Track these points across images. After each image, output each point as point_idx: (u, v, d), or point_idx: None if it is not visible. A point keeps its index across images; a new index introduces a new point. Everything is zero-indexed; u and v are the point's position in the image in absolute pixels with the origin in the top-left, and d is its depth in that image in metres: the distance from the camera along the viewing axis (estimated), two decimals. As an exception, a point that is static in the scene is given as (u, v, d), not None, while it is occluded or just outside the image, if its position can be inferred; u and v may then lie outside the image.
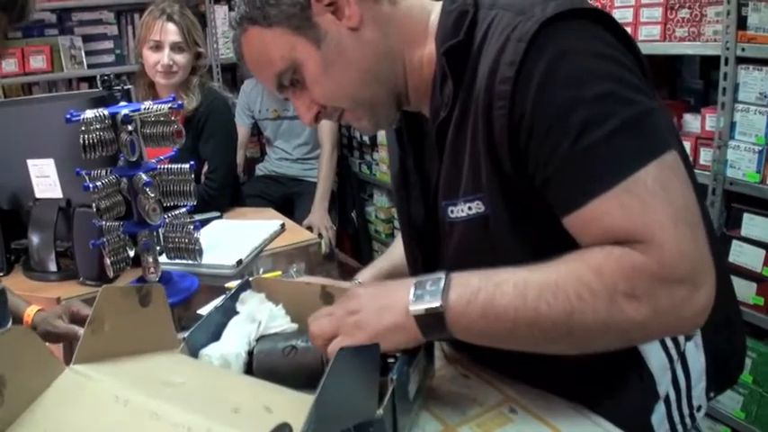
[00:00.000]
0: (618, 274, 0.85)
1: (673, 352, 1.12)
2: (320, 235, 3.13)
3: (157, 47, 2.62)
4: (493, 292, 0.89)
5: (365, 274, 1.40)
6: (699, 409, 1.18)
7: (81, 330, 1.34)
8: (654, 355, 1.09)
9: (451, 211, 1.06)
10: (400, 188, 1.25)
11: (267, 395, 0.89)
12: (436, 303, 0.90)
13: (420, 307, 0.91)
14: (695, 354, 1.15)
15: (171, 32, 2.62)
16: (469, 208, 1.03)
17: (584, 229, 0.91)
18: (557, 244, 0.93)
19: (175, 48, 2.62)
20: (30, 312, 1.44)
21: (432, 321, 0.91)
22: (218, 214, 2.34)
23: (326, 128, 3.66)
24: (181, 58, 2.64)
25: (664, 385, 1.12)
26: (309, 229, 2.71)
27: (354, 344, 0.91)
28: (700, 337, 1.15)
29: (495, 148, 0.95)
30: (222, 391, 0.91)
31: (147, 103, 1.50)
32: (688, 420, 1.16)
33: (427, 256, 1.20)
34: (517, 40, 0.90)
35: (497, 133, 0.94)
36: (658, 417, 1.12)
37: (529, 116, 0.90)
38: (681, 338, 1.12)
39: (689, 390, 1.15)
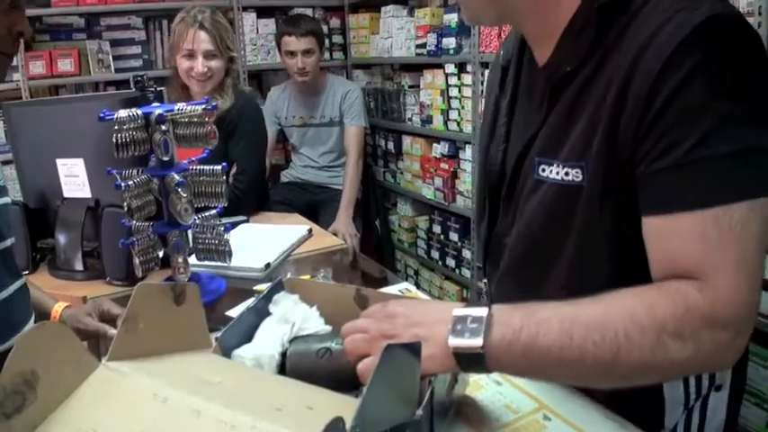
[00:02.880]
0: (670, 313, 0.84)
1: (692, 393, 1.11)
2: (345, 242, 3.13)
3: (191, 55, 2.63)
4: (536, 332, 0.86)
5: None
6: None
7: (110, 329, 1.34)
8: (672, 386, 1.09)
9: (543, 170, 1.04)
10: (488, 125, 1.24)
11: (307, 395, 0.88)
12: (477, 344, 0.86)
13: (459, 344, 0.87)
14: (718, 405, 1.14)
15: (203, 41, 2.63)
16: (566, 173, 1.01)
17: (657, 237, 0.91)
18: (633, 248, 0.94)
19: (208, 55, 2.64)
20: (57, 309, 1.44)
21: (471, 358, 0.88)
22: (244, 218, 2.33)
23: (352, 136, 3.67)
24: (215, 64, 2.65)
25: (673, 419, 1.11)
26: (334, 235, 2.70)
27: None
28: (727, 392, 1.14)
29: (619, 125, 0.92)
30: (262, 390, 0.90)
31: (181, 104, 1.51)
32: None
33: (493, 204, 1.20)
34: (679, 24, 0.86)
35: (628, 110, 0.91)
36: None
37: (663, 103, 0.87)
38: (705, 383, 1.11)
39: None
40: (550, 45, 1.04)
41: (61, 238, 1.84)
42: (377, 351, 0.86)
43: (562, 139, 1.01)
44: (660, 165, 0.88)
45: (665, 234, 0.89)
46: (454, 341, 0.87)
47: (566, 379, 0.92)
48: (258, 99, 4.19)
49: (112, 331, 1.32)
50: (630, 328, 0.84)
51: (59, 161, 1.83)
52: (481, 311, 0.88)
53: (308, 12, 4.33)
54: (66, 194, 1.86)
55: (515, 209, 1.13)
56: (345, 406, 0.71)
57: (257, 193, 2.70)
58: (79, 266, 1.83)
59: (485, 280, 1.29)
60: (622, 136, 0.92)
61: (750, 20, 2.12)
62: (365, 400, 0.71)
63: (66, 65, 3.74)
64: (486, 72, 3.00)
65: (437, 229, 3.74)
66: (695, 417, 1.12)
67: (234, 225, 1.99)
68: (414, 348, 0.87)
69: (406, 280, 1.69)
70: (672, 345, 0.83)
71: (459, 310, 0.90)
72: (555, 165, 1.02)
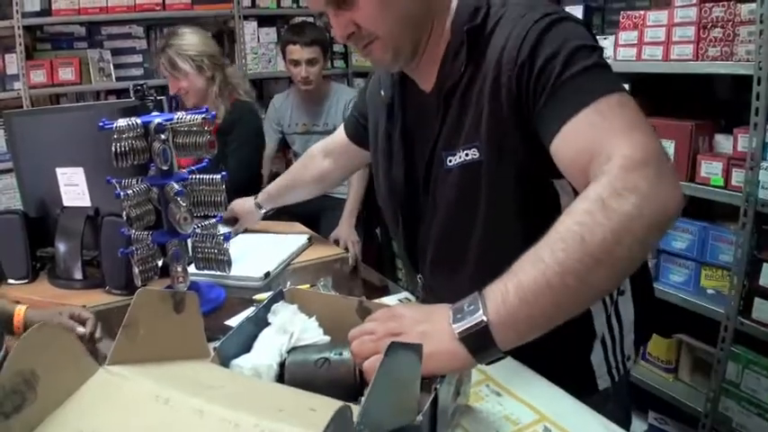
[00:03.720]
0: (598, 189, 0.94)
1: (607, 300, 1.31)
2: (347, 249, 3.13)
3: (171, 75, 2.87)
4: (517, 278, 0.93)
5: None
6: (629, 358, 1.38)
7: (79, 327, 1.33)
8: None
9: (449, 160, 1.26)
10: (384, 154, 1.44)
11: (308, 399, 0.88)
12: (479, 318, 0.92)
13: (464, 326, 0.93)
14: (627, 306, 1.35)
15: (166, 66, 2.86)
16: (466, 154, 1.23)
17: (563, 149, 1.07)
18: (537, 203, 1.19)
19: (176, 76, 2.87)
20: (20, 311, 1.42)
21: (479, 338, 0.92)
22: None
23: None
24: (184, 84, 2.87)
25: (599, 324, 1.31)
26: (336, 242, 2.70)
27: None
28: (630, 293, 1.35)
29: (501, 104, 1.15)
30: (263, 394, 0.90)
31: (180, 113, 1.50)
32: (621, 367, 1.36)
33: (406, 215, 1.41)
34: (524, 24, 1.13)
35: (503, 89, 1.15)
36: (597, 358, 1.33)
37: (528, 68, 1.10)
38: (614, 291, 1.31)
39: (621, 338, 1.35)
40: (434, 70, 1.29)
41: (61, 247, 1.84)
42: (383, 350, 0.88)
43: (458, 132, 1.24)
44: (542, 99, 1.09)
45: (568, 143, 1.06)
46: (458, 325, 0.93)
47: (569, 298, 0.93)
48: (258, 108, 4.20)
49: (81, 329, 1.31)
50: (578, 217, 0.93)
51: (59, 170, 1.83)
52: (473, 295, 0.96)
53: (310, 20, 4.34)
54: (65, 203, 1.85)
55: (433, 204, 1.33)
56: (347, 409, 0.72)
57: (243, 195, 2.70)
58: (79, 275, 1.82)
59: (419, 275, 1.46)
60: (506, 108, 1.15)
61: (751, 28, 2.13)
62: (369, 398, 0.71)
63: (67, 73, 3.74)
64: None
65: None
66: (613, 321, 1.33)
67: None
68: (416, 349, 0.87)
69: (407, 289, 1.69)
70: (616, 203, 0.92)
71: (455, 304, 0.98)
72: (457, 151, 1.24)
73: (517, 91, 1.13)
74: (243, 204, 2.24)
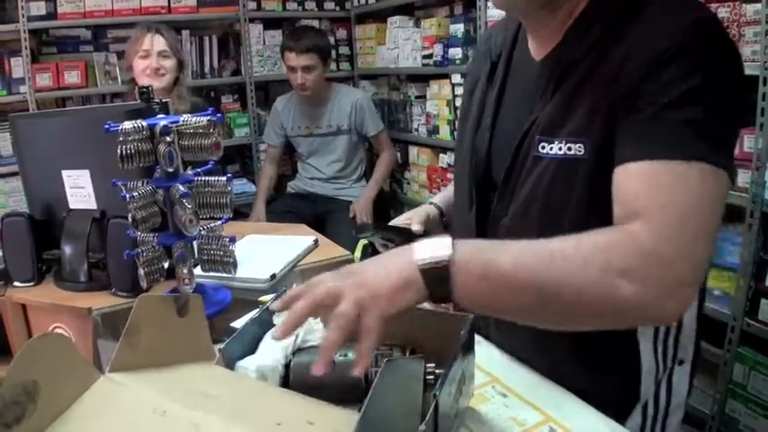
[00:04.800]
0: (613, 247, 0.92)
1: (660, 364, 1.20)
2: (354, 218, 3.61)
3: (147, 55, 3.01)
4: (495, 255, 0.92)
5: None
6: None
7: None
8: (646, 355, 1.17)
9: (542, 147, 1.12)
10: (474, 118, 1.33)
11: (308, 409, 0.87)
12: (445, 254, 0.90)
13: (427, 257, 0.91)
14: (682, 378, 1.24)
15: (158, 43, 3.02)
16: (569, 148, 1.09)
17: (622, 180, 0.99)
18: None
19: (162, 54, 3.03)
20: None
21: (437, 273, 0.91)
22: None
23: (382, 142, 3.97)
24: (167, 63, 3.04)
25: (644, 390, 1.20)
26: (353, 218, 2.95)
27: (357, 302, 0.89)
28: (690, 365, 1.24)
29: (617, 105, 1.02)
30: (262, 404, 0.90)
31: (186, 116, 1.51)
32: None
33: (480, 189, 1.29)
34: (670, 26, 1.00)
35: (625, 90, 1.01)
36: (632, 425, 1.20)
37: (652, 77, 0.98)
38: (670, 353, 1.21)
39: (666, 414, 1.23)
40: (554, 40, 1.16)
41: (67, 250, 1.84)
42: (346, 292, 0.90)
43: (564, 120, 1.10)
44: (638, 117, 0.99)
45: (629, 178, 0.99)
46: (421, 255, 0.91)
47: (523, 305, 0.93)
48: (263, 110, 4.21)
49: None
50: (577, 257, 0.91)
51: (65, 173, 1.83)
52: (444, 237, 0.93)
53: (315, 23, 4.35)
54: (71, 206, 1.86)
55: (512, 190, 1.19)
56: (346, 419, 0.71)
57: None
58: (84, 278, 1.82)
59: None
60: (621, 109, 1.02)
61: (756, 28, 2.13)
62: (365, 413, 0.70)
63: (72, 77, 3.76)
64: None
65: (444, 239, 3.73)
66: (662, 391, 1.22)
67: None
68: (416, 361, 0.87)
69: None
70: (616, 279, 0.90)
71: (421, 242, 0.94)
72: (556, 142, 1.10)
73: (632, 96, 1.01)
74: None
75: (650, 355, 1.19)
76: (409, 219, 1.47)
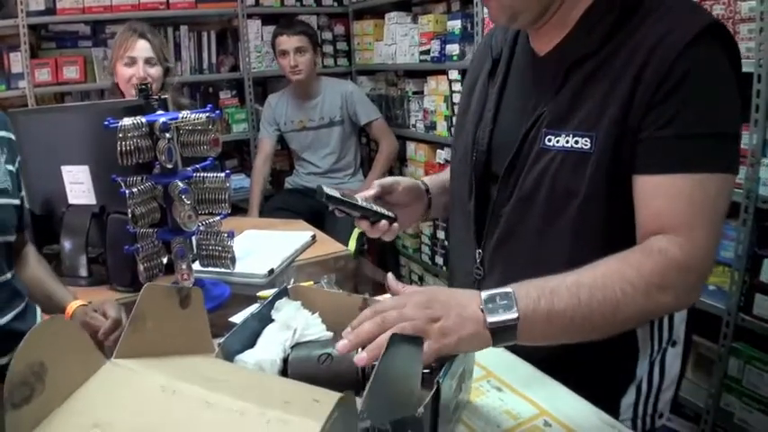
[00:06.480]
0: (654, 269, 1.01)
1: (656, 345, 1.27)
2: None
3: (132, 63, 2.81)
4: (551, 299, 0.98)
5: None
6: (661, 415, 1.32)
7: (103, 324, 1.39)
8: (642, 337, 1.25)
9: (549, 140, 1.16)
10: (475, 113, 1.35)
11: (312, 391, 0.89)
12: (512, 317, 0.96)
13: (498, 319, 0.96)
14: (675, 360, 1.30)
15: (144, 49, 2.82)
16: (576, 142, 1.13)
17: (650, 193, 1.07)
18: (619, 214, 1.11)
19: (148, 62, 2.83)
20: (73, 305, 1.49)
21: (505, 331, 0.96)
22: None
23: (378, 130, 3.92)
24: (153, 71, 2.83)
25: (640, 370, 1.26)
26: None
27: (442, 349, 0.94)
28: (681, 347, 1.31)
29: (633, 100, 1.06)
30: (268, 387, 0.91)
31: (185, 112, 1.52)
32: (649, 421, 1.30)
33: (480, 181, 1.32)
34: (687, 27, 1.04)
35: (642, 86, 1.05)
36: (627, 401, 1.27)
37: (674, 84, 1.03)
38: (665, 336, 1.27)
39: (659, 391, 1.29)
40: (559, 35, 1.19)
41: (66, 245, 1.85)
42: (431, 335, 0.94)
43: (571, 113, 1.14)
44: (665, 132, 1.05)
45: (659, 191, 1.06)
46: (492, 318, 0.96)
47: (576, 335, 1.02)
48: (260, 105, 4.22)
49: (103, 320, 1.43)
50: (625, 286, 1.00)
51: (65, 168, 1.84)
52: (505, 290, 0.98)
53: (313, 18, 4.35)
54: (71, 201, 1.87)
55: (515, 182, 1.22)
56: (351, 398, 0.74)
57: None
58: (84, 272, 1.84)
59: (479, 250, 1.33)
60: (636, 107, 1.06)
61: (751, 25, 2.13)
62: (373, 387, 0.73)
63: (71, 72, 3.76)
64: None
65: (441, 234, 3.74)
66: (656, 370, 1.28)
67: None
68: (416, 341, 0.91)
69: (411, 285, 1.69)
70: (658, 295, 1.01)
71: (485, 293, 0.98)
72: (563, 134, 1.14)
73: (649, 101, 1.05)
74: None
75: (647, 338, 1.25)
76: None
